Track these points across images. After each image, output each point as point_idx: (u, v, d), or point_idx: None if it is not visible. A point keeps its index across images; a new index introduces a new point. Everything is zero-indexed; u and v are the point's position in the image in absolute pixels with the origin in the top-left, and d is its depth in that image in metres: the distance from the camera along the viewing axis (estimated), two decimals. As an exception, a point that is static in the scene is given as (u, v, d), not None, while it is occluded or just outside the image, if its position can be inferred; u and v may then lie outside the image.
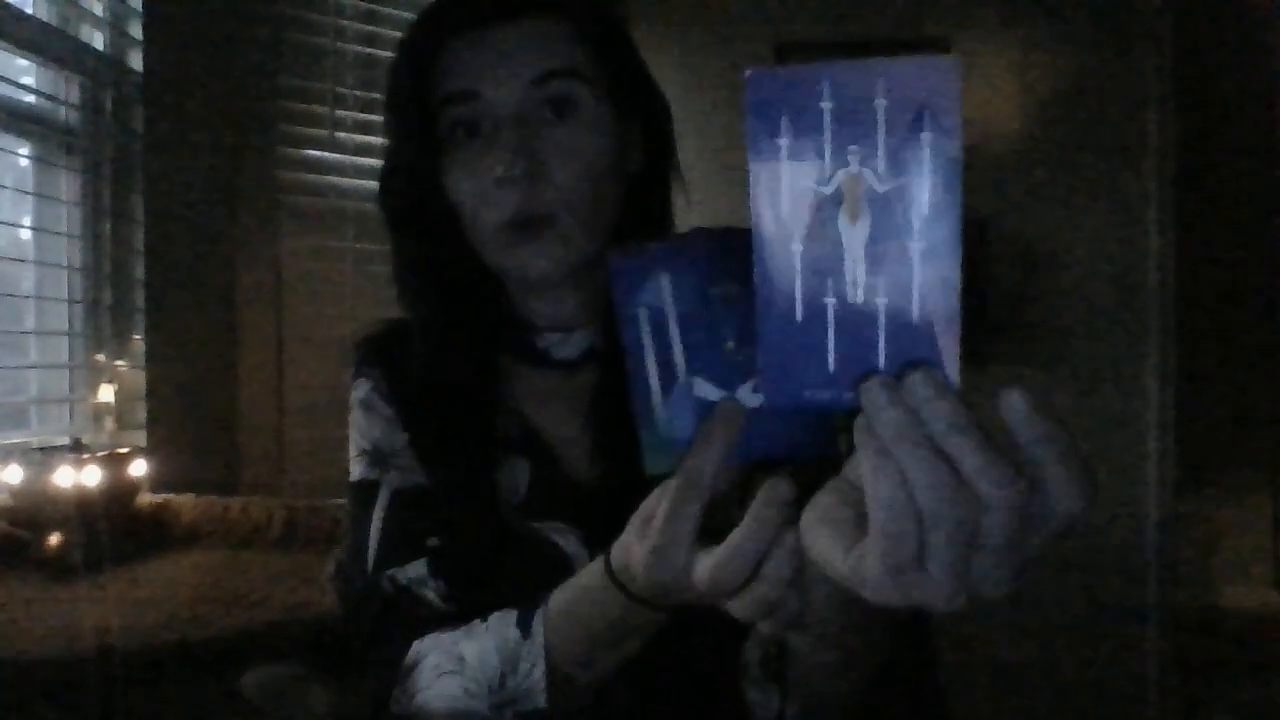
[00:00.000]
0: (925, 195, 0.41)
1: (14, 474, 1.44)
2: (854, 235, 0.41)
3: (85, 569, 1.38)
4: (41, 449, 1.54)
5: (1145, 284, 2.40)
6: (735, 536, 0.50)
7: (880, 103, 0.41)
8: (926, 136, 0.40)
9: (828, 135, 0.41)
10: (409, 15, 2.10)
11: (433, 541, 0.78)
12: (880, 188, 0.41)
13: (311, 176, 1.99)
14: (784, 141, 0.41)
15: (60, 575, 1.35)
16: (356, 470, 0.84)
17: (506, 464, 0.79)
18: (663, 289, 0.54)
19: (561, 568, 0.74)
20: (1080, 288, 2.41)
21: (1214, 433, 2.63)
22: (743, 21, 2.42)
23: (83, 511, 1.41)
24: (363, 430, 0.84)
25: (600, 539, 0.72)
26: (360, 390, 0.85)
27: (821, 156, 0.41)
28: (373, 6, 2.07)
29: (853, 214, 0.41)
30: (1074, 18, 2.40)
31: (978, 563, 0.39)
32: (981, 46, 2.42)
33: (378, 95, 2.08)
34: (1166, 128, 2.38)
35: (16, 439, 1.67)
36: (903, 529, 0.39)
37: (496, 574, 0.76)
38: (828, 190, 0.41)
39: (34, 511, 1.42)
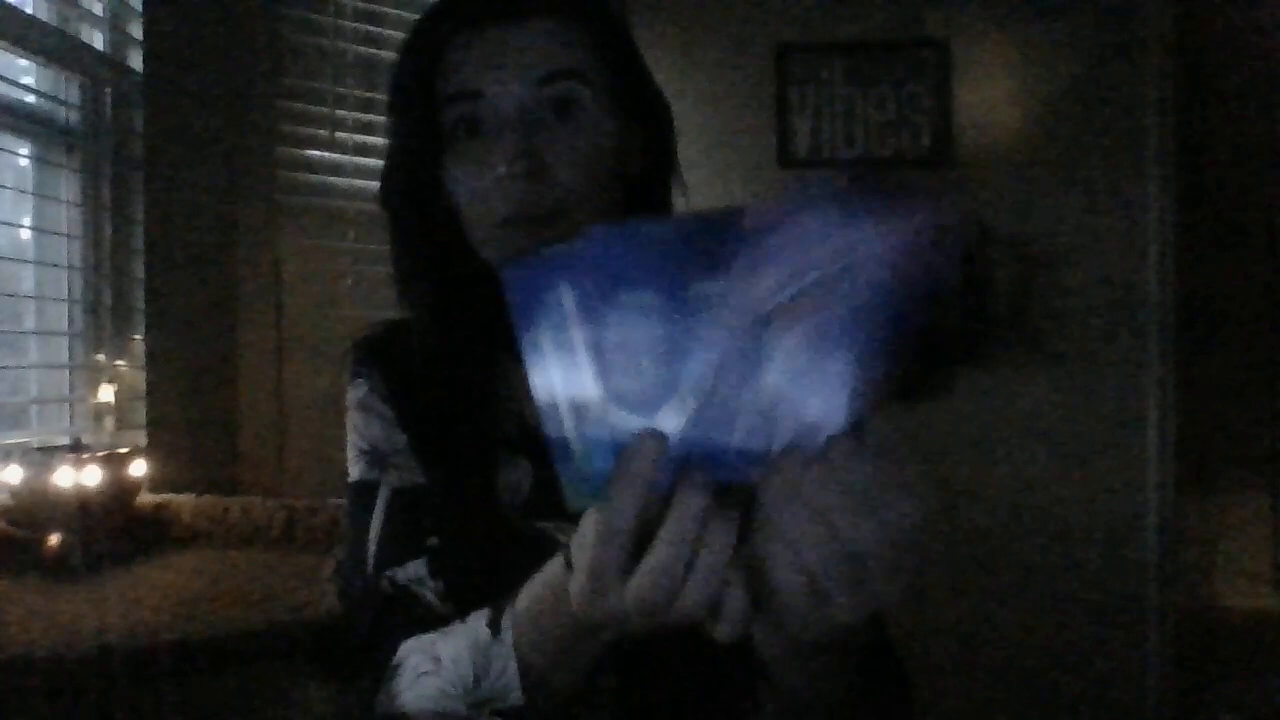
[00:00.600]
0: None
1: (14, 474, 1.44)
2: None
3: (85, 569, 1.38)
4: (41, 449, 1.54)
5: (1145, 284, 2.40)
6: (650, 559, 0.49)
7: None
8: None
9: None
10: (409, 15, 2.10)
11: (432, 541, 0.78)
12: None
13: (311, 176, 1.99)
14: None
15: (60, 575, 1.35)
16: (355, 470, 0.84)
17: (508, 464, 0.79)
18: (565, 302, 0.48)
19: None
20: (1080, 288, 2.41)
21: (1214, 433, 2.63)
22: (743, 21, 2.42)
23: (83, 511, 1.41)
24: (361, 431, 0.84)
25: None
26: (358, 391, 0.85)
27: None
28: (373, 6, 2.07)
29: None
30: (1074, 18, 2.40)
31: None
32: (981, 46, 2.42)
33: (378, 95, 2.08)
34: (1166, 128, 2.38)
35: (16, 439, 1.67)
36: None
37: (498, 573, 0.76)
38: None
39: (34, 511, 1.42)
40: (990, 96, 2.42)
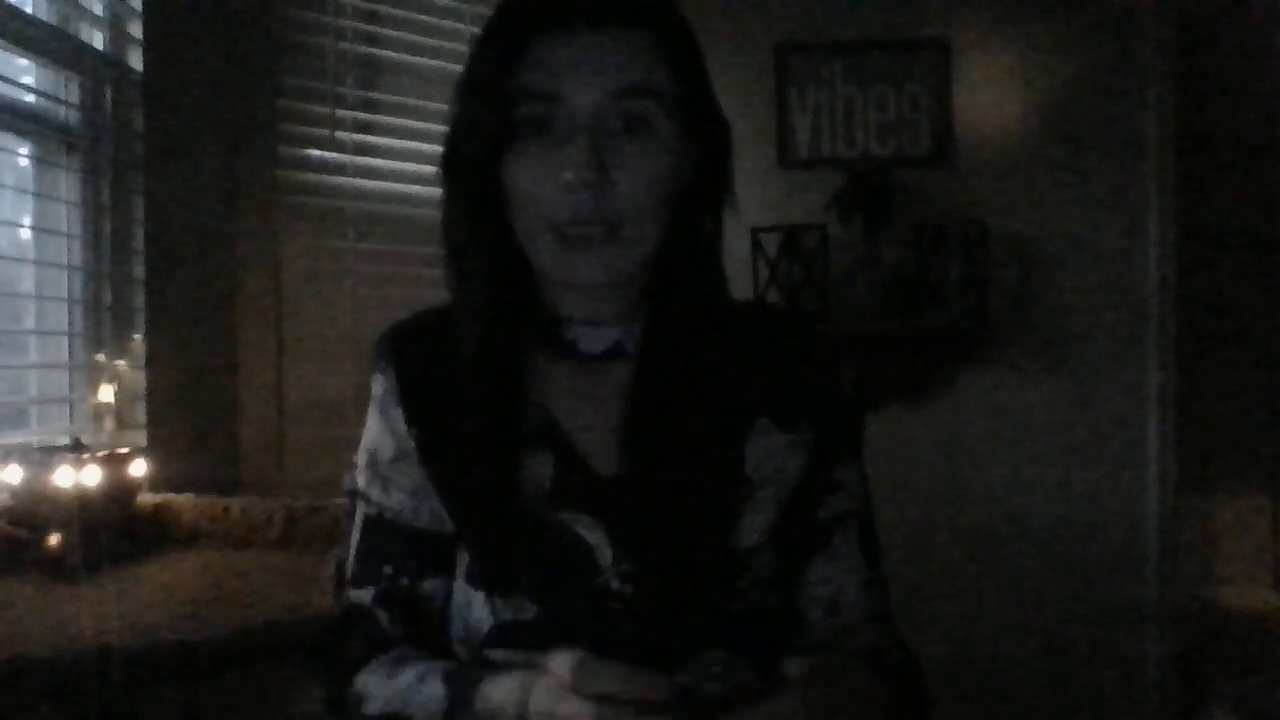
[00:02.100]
0: None
1: (14, 474, 1.44)
2: None
3: (85, 569, 1.38)
4: (41, 449, 1.54)
5: (1145, 284, 2.40)
6: None
7: None
8: None
9: None
10: (410, 15, 2.11)
11: (386, 570, 0.83)
12: None
13: (311, 176, 1.99)
14: None
15: (60, 575, 1.35)
16: (357, 475, 0.87)
17: (531, 455, 0.80)
18: None
19: (585, 559, 0.77)
20: (1080, 288, 2.41)
21: (1214, 433, 2.63)
22: (743, 21, 2.42)
23: (83, 511, 1.41)
24: (369, 430, 0.86)
25: (624, 532, 0.77)
26: (378, 387, 0.85)
27: None
28: (373, 6, 2.07)
29: None
30: (1074, 18, 2.40)
31: None
32: (981, 46, 2.42)
33: (378, 95, 2.09)
34: (1166, 128, 2.38)
35: (16, 439, 1.67)
36: None
37: (519, 562, 0.78)
38: None
39: (34, 511, 1.42)
40: (990, 96, 2.42)
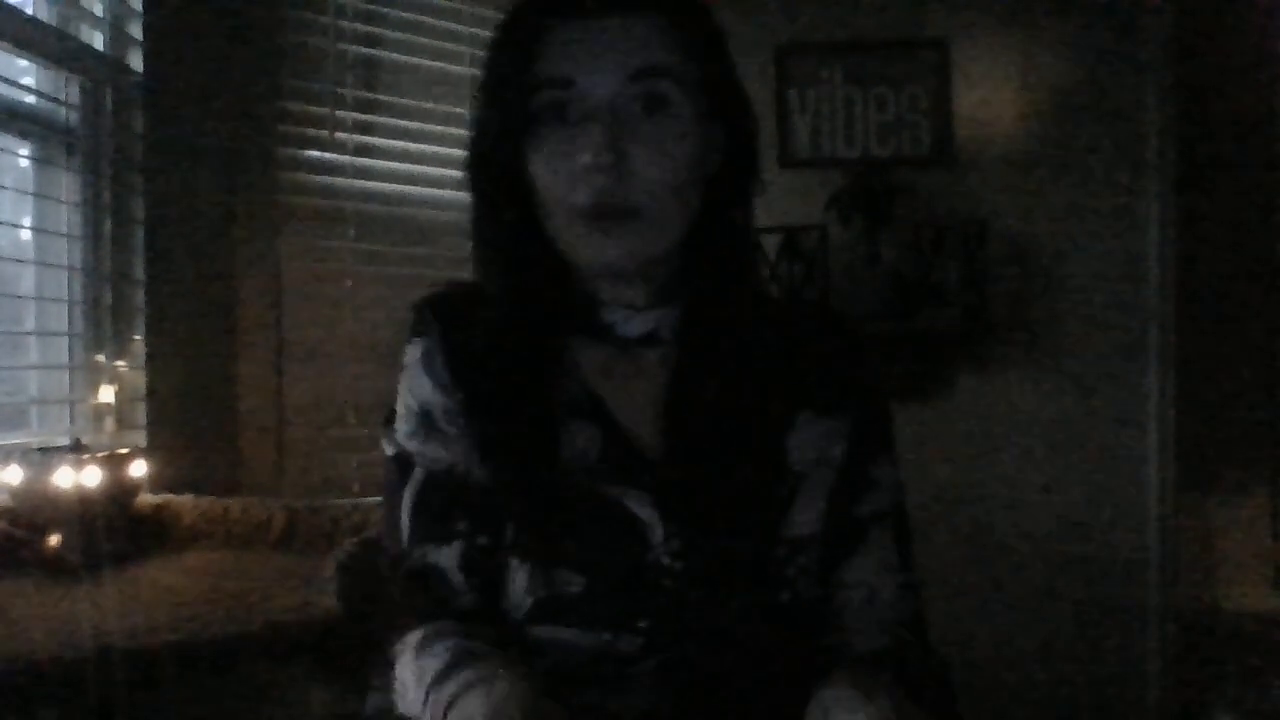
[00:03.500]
0: None
1: (14, 474, 1.44)
2: None
3: (85, 569, 1.38)
4: (41, 449, 1.54)
5: (1145, 284, 2.40)
6: None
7: None
8: None
9: None
10: (410, 15, 2.11)
11: (461, 526, 0.80)
12: None
13: (311, 176, 1.99)
14: None
15: (60, 575, 1.35)
16: (400, 435, 0.85)
17: (575, 427, 0.80)
18: None
19: (635, 534, 0.77)
20: (1080, 288, 2.41)
21: (1214, 433, 2.62)
22: (743, 22, 2.41)
23: (83, 512, 1.41)
24: (413, 390, 0.84)
25: (673, 507, 0.76)
26: (416, 349, 0.84)
27: None
28: (373, 7, 2.07)
29: None
30: (1074, 17, 2.40)
31: None
32: (981, 46, 2.42)
33: (378, 95, 2.08)
34: (1166, 128, 2.38)
35: (16, 439, 1.67)
36: None
37: (565, 532, 0.77)
38: None
39: (34, 511, 1.42)
40: (990, 96, 2.42)
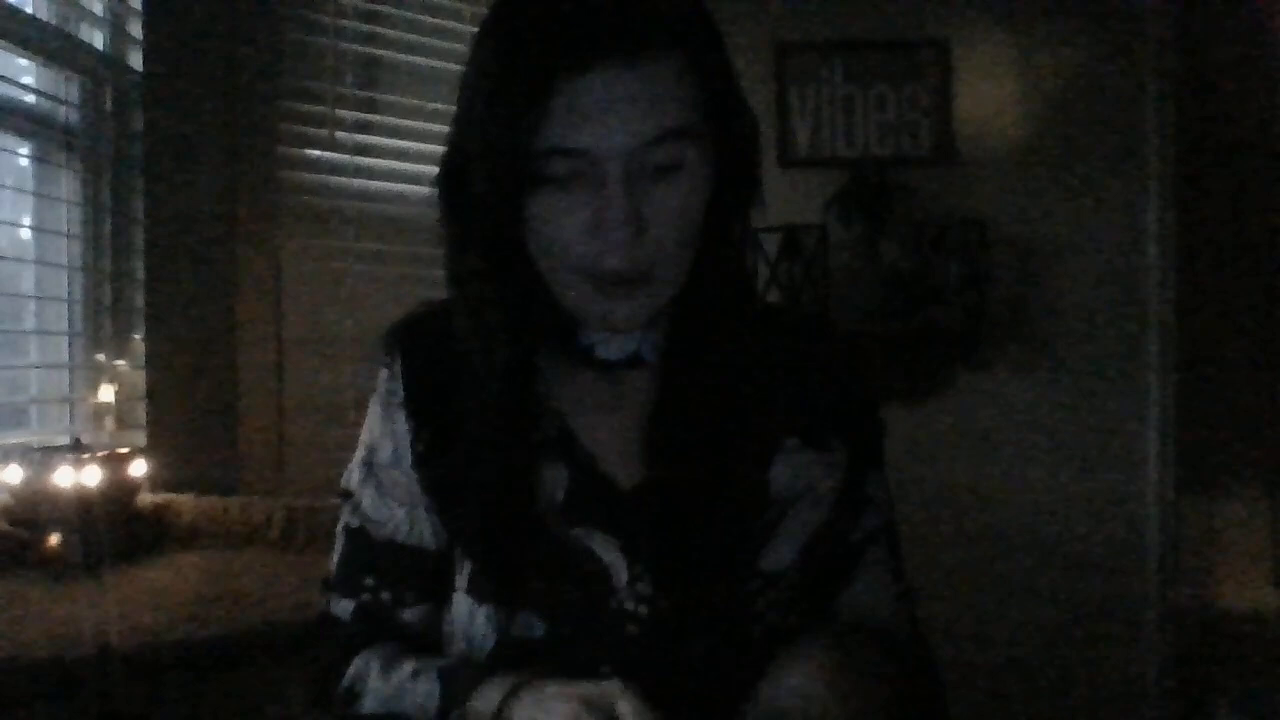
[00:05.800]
0: None
1: (14, 474, 1.44)
2: None
3: (85, 569, 1.38)
4: (41, 449, 1.54)
5: (1145, 284, 2.40)
6: None
7: None
8: None
9: None
10: (409, 15, 2.10)
11: (368, 581, 0.81)
12: None
13: (311, 176, 1.99)
14: None
15: (60, 575, 1.36)
16: (352, 472, 0.84)
17: (544, 468, 0.77)
18: None
19: (599, 578, 0.75)
20: (1080, 288, 2.41)
21: (1214, 433, 2.63)
22: (743, 21, 2.42)
23: (83, 511, 1.41)
24: (370, 426, 0.83)
25: (640, 548, 0.75)
26: (381, 382, 0.83)
27: None
28: (373, 6, 2.07)
29: None
30: (1074, 17, 2.40)
31: None
32: (981, 46, 2.42)
33: (378, 95, 2.08)
34: (1166, 128, 2.38)
35: (16, 439, 1.67)
36: None
37: (528, 576, 0.75)
38: None
39: (34, 511, 1.42)
40: (990, 96, 2.42)
